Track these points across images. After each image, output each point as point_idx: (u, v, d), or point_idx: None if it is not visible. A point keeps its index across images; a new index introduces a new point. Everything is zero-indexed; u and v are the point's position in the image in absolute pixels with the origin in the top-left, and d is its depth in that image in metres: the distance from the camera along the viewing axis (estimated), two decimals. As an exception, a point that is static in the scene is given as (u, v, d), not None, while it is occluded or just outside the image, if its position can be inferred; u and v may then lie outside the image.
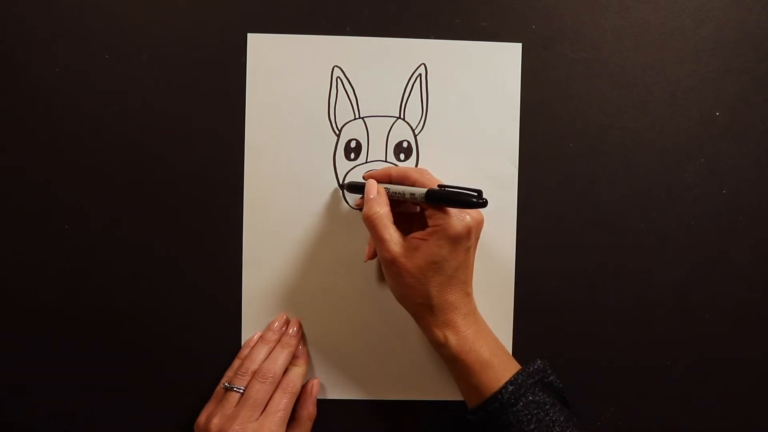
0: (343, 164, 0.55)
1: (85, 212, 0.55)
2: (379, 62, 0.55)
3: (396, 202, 0.51)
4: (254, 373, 0.52)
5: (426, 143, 0.55)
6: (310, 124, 0.55)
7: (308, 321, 0.56)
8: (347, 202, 0.55)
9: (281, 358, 0.53)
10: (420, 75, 0.55)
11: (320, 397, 0.56)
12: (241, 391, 0.51)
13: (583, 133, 0.56)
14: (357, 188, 0.53)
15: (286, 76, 0.55)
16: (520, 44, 0.55)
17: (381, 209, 0.49)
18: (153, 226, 0.55)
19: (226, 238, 0.55)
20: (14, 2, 0.54)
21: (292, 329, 0.55)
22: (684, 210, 0.57)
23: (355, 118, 0.55)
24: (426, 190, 0.47)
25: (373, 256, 0.53)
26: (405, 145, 0.55)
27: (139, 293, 0.55)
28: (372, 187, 0.50)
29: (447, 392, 0.56)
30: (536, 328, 0.56)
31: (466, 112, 0.55)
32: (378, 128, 0.55)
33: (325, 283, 0.56)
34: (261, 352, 0.54)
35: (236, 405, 0.51)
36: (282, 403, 0.51)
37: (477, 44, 0.55)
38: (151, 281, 0.55)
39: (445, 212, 0.47)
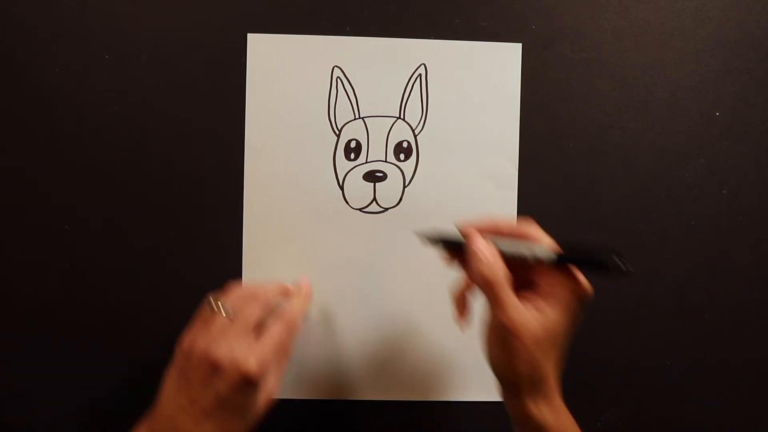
0: (343, 164, 0.55)
1: (85, 212, 0.55)
2: (379, 62, 0.55)
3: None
4: (247, 298, 0.48)
5: (426, 143, 0.55)
6: (310, 124, 0.55)
7: (308, 321, 0.56)
8: (347, 202, 0.55)
9: (282, 293, 0.50)
10: (420, 75, 0.55)
11: (320, 397, 0.56)
12: (230, 313, 0.47)
13: (583, 133, 0.56)
14: (452, 243, 0.45)
15: (286, 76, 0.55)
16: (520, 44, 0.55)
17: (502, 272, 0.41)
18: (153, 226, 0.55)
19: (226, 238, 0.55)
20: (14, 2, 0.54)
21: (304, 281, 0.53)
22: (684, 210, 0.57)
23: (355, 118, 0.55)
24: (555, 253, 0.42)
25: (464, 313, 0.48)
26: (405, 145, 0.55)
27: (139, 293, 0.55)
28: (480, 243, 0.43)
29: (447, 393, 0.56)
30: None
31: (466, 112, 0.55)
32: (378, 128, 0.55)
33: (325, 283, 0.56)
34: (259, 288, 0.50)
35: (224, 326, 0.46)
36: (278, 335, 0.47)
37: (477, 44, 0.55)
38: (151, 281, 0.55)
39: (567, 277, 0.42)
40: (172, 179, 0.55)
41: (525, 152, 0.56)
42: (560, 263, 0.42)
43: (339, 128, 0.55)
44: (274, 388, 0.48)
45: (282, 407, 0.56)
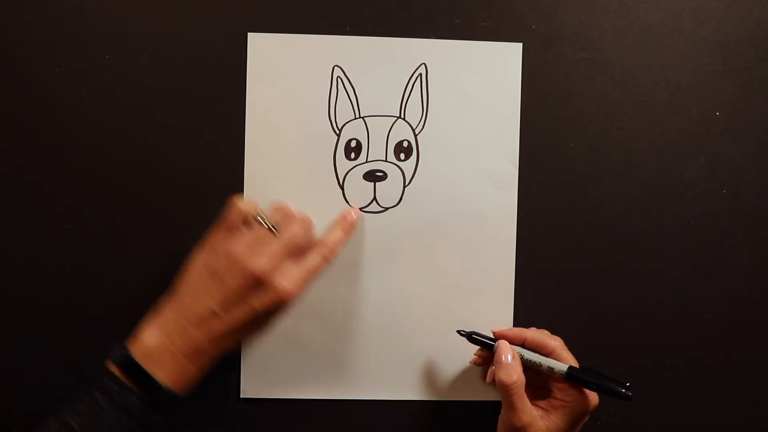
0: (344, 164, 0.55)
1: (85, 212, 0.55)
2: (380, 62, 0.55)
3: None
4: (290, 216, 0.50)
5: (426, 143, 0.55)
6: (310, 123, 0.55)
7: (308, 321, 0.56)
8: (347, 202, 0.55)
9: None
10: (420, 75, 0.55)
11: (319, 397, 0.56)
12: (275, 230, 0.48)
13: (583, 133, 0.56)
14: (482, 342, 0.53)
15: (286, 76, 0.55)
16: (521, 44, 0.55)
17: (519, 378, 0.48)
18: (153, 226, 0.55)
19: (226, 238, 0.55)
20: (14, 2, 0.54)
21: (351, 216, 0.53)
22: (684, 210, 0.57)
23: (355, 118, 0.55)
24: (567, 367, 0.49)
25: (493, 379, 0.52)
26: (405, 144, 0.55)
27: (140, 293, 0.55)
28: (506, 349, 0.50)
29: (447, 393, 0.56)
30: (536, 327, 0.56)
31: (467, 111, 0.55)
32: (378, 128, 0.55)
33: (325, 283, 0.56)
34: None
35: (269, 241, 0.47)
36: (315, 262, 0.48)
37: (477, 44, 0.55)
38: (151, 281, 0.55)
39: (579, 391, 0.49)
40: (173, 179, 0.55)
41: (525, 152, 0.56)
42: (569, 379, 0.49)
43: (339, 128, 0.55)
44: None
45: (282, 407, 0.56)
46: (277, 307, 0.46)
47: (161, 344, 0.46)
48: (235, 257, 0.46)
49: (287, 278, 0.46)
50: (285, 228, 0.49)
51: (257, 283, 0.45)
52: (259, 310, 0.46)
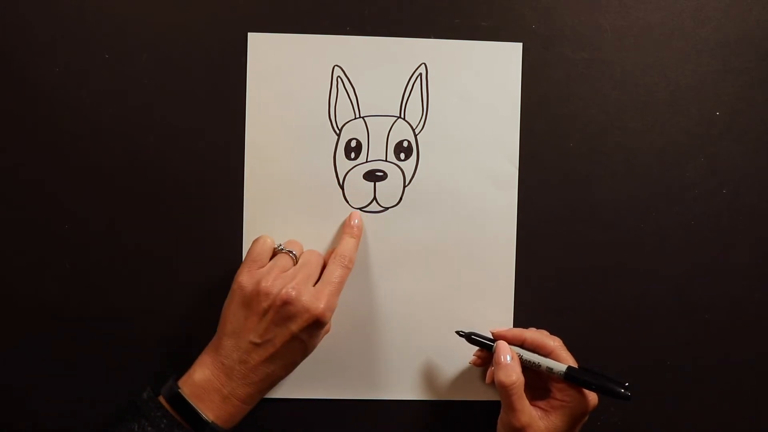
0: (344, 164, 0.55)
1: (85, 212, 0.55)
2: (380, 62, 0.55)
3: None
4: (300, 245, 0.54)
5: (426, 143, 0.55)
6: (310, 123, 0.55)
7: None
8: (347, 202, 0.55)
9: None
10: (420, 74, 0.55)
11: (320, 397, 0.56)
12: (294, 256, 0.52)
13: (583, 133, 0.56)
14: (481, 343, 0.53)
15: (286, 76, 0.55)
16: (521, 44, 0.55)
17: (518, 378, 0.49)
18: (153, 226, 0.55)
19: (226, 238, 0.55)
20: (14, 2, 0.54)
21: (355, 221, 0.55)
22: (684, 210, 0.57)
23: (355, 118, 0.55)
24: (566, 368, 0.49)
25: (492, 380, 0.52)
26: (405, 144, 0.55)
27: (140, 293, 0.55)
28: (505, 350, 0.50)
29: (448, 393, 0.56)
30: (536, 327, 0.56)
31: (467, 111, 0.55)
32: (378, 128, 0.55)
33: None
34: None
35: (291, 268, 0.50)
36: (336, 274, 0.51)
37: (477, 44, 0.55)
38: (151, 281, 0.55)
39: (578, 391, 0.49)
40: (172, 179, 0.55)
41: (525, 152, 0.56)
42: (568, 379, 0.49)
43: (339, 127, 0.55)
44: (329, 325, 0.53)
45: (282, 407, 0.56)
46: (312, 326, 0.48)
47: (209, 384, 0.48)
48: (264, 289, 0.48)
49: (315, 296, 0.49)
50: (303, 254, 0.53)
51: (289, 308, 0.48)
52: (297, 332, 0.48)
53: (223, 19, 0.55)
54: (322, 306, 0.48)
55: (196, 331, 0.55)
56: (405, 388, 0.56)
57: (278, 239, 0.54)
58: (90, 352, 0.55)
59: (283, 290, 0.48)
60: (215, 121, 0.55)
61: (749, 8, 0.56)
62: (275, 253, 0.52)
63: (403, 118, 0.55)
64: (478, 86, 0.55)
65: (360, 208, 0.55)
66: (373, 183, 0.55)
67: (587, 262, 0.56)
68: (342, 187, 0.55)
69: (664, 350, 0.57)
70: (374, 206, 0.55)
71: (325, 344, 0.56)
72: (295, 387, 0.56)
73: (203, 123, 0.55)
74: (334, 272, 0.51)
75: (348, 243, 0.53)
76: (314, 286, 0.50)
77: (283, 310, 0.48)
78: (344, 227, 0.55)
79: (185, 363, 0.53)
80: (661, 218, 0.57)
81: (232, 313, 0.49)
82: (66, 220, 0.55)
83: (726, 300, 0.57)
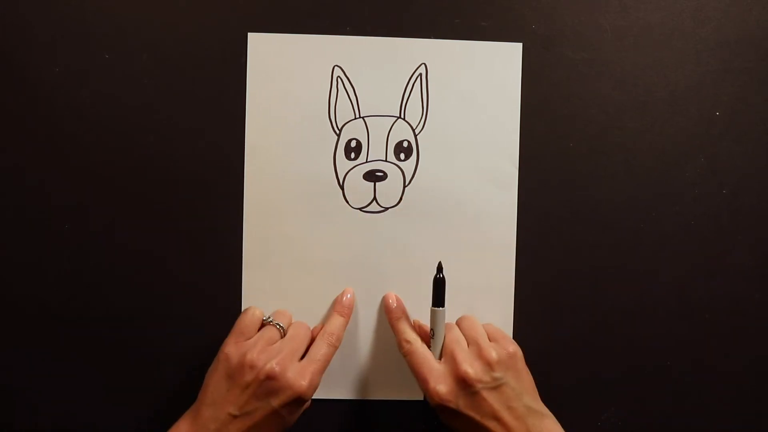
0: (344, 164, 0.55)
1: (85, 212, 0.55)
2: (380, 62, 0.55)
3: None
4: (289, 317, 0.54)
5: (426, 143, 0.55)
6: (310, 123, 0.55)
7: (308, 321, 0.56)
8: (347, 202, 0.55)
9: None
10: (420, 75, 0.55)
11: (321, 397, 0.56)
12: (282, 328, 0.52)
13: (583, 133, 0.56)
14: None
15: (286, 76, 0.55)
16: (521, 44, 0.55)
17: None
18: (153, 226, 0.55)
19: (226, 238, 0.55)
20: (14, 2, 0.54)
21: (346, 297, 0.55)
22: (684, 210, 0.57)
23: (355, 118, 0.55)
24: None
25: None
26: (405, 144, 0.55)
27: (140, 293, 0.55)
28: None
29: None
30: (536, 327, 0.56)
31: (467, 111, 0.55)
32: (378, 128, 0.55)
33: (325, 282, 0.56)
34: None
35: (278, 342, 0.50)
36: (321, 352, 0.51)
37: (477, 44, 0.55)
38: (151, 281, 0.55)
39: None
40: (172, 179, 0.55)
41: (525, 152, 0.56)
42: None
43: (339, 128, 0.55)
44: (310, 402, 0.52)
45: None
46: (293, 402, 0.48)
47: None
48: (250, 361, 0.48)
49: (299, 373, 0.49)
50: (291, 328, 0.53)
51: (272, 383, 0.48)
52: (278, 407, 0.48)
53: (223, 19, 0.55)
54: (305, 384, 0.48)
55: (196, 330, 0.55)
56: (405, 388, 0.56)
57: (277, 241, 0.54)
58: (90, 352, 0.55)
59: (268, 365, 0.48)
60: (215, 121, 0.55)
61: (749, 8, 0.56)
62: (263, 324, 0.52)
63: (403, 119, 0.55)
64: (478, 86, 0.55)
65: (360, 208, 0.55)
66: (373, 183, 0.55)
67: (587, 263, 0.56)
68: (342, 187, 0.55)
69: (664, 350, 0.57)
70: (374, 206, 0.55)
71: (325, 344, 0.56)
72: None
73: (203, 123, 0.55)
74: (320, 350, 0.51)
75: (336, 321, 0.53)
76: (300, 361, 0.50)
77: (266, 384, 0.48)
78: (335, 304, 0.55)
79: (186, 362, 0.53)
80: (661, 218, 0.57)
81: (214, 382, 0.49)
82: (66, 220, 0.55)
83: (726, 300, 0.57)
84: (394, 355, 0.56)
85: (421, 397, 0.56)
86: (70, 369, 0.55)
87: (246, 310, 0.52)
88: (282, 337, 0.52)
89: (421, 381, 0.49)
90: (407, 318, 0.54)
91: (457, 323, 0.54)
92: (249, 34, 0.54)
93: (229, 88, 0.55)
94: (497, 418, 0.47)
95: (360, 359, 0.56)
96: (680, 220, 0.57)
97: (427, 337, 0.52)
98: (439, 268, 0.52)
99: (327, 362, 0.51)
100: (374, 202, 0.55)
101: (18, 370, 0.55)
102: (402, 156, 0.56)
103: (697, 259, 0.57)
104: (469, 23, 0.55)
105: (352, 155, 0.55)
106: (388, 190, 0.55)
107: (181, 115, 0.55)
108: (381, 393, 0.56)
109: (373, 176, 0.55)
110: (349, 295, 0.55)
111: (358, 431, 0.57)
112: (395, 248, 0.56)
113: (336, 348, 0.52)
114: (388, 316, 0.55)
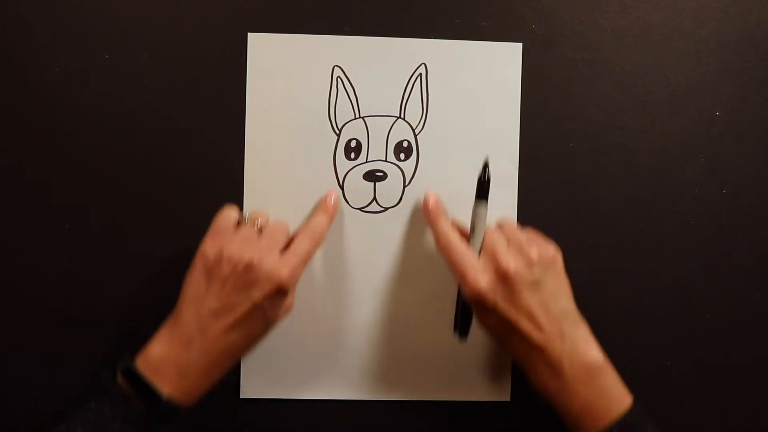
0: (343, 164, 0.55)
1: (85, 212, 0.55)
2: (380, 62, 0.55)
3: None
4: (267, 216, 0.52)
5: (426, 143, 0.55)
6: (310, 123, 0.55)
7: (308, 321, 0.56)
8: (347, 202, 0.55)
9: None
10: (420, 75, 0.55)
11: (321, 397, 0.56)
12: (258, 226, 0.50)
13: (583, 133, 0.56)
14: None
15: (286, 76, 0.55)
16: (521, 44, 0.55)
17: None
18: (153, 226, 0.55)
19: (226, 238, 0.55)
20: (14, 2, 0.54)
21: (331, 197, 0.54)
22: (684, 210, 0.57)
23: (355, 118, 0.55)
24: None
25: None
26: (405, 144, 0.55)
27: (140, 293, 0.55)
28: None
29: (447, 393, 0.56)
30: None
31: (467, 112, 0.55)
32: (378, 128, 0.55)
33: (325, 282, 0.56)
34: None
35: (254, 237, 0.49)
36: (304, 246, 0.49)
37: (477, 44, 0.55)
38: (151, 281, 0.55)
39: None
40: (172, 179, 0.55)
41: (525, 152, 0.56)
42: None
43: (339, 128, 0.55)
44: (292, 300, 0.51)
45: (282, 407, 0.56)
46: (275, 294, 0.47)
47: (166, 356, 0.46)
48: (227, 255, 0.47)
49: (279, 263, 0.47)
50: (267, 223, 0.51)
51: (251, 273, 0.46)
52: (258, 300, 0.46)
53: (223, 19, 0.55)
54: (286, 273, 0.46)
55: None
56: (405, 388, 0.56)
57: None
58: (90, 352, 0.55)
59: (246, 255, 0.46)
60: (215, 121, 0.55)
61: (749, 8, 0.56)
62: (240, 224, 0.51)
63: (403, 119, 0.55)
64: (478, 86, 0.55)
65: (360, 208, 0.55)
66: (373, 183, 0.55)
67: (587, 262, 0.56)
68: (342, 187, 0.55)
69: (664, 350, 0.57)
70: (374, 206, 0.55)
71: (325, 344, 0.56)
72: (295, 387, 0.56)
73: (203, 123, 0.55)
74: (302, 244, 0.49)
75: (320, 217, 0.52)
76: (281, 254, 0.48)
77: (246, 276, 0.46)
78: (319, 203, 0.54)
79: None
80: (661, 218, 0.57)
81: (194, 281, 0.48)
82: (66, 220, 0.55)
83: (726, 300, 0.57)
84: (394, 355, 0.56)
85: (421, 398, 0.56)
86: (70, 369, 0.55)
87: (221, 209, 0.51)
88: (259, 235, 0.50)
89: (459, 275, 0.48)
90: (446, 215, 0.53)
91: (497, 225, 0.53)
92: (249, 34, 0.54)
93: (229, 88, 0.55)
94: (531, 317, 0.46)
95: (360, 359, 0.56)
96: (680, 220, 0.57)
97: (466, 237, 0.51)
98: (486, 164, 0.51)
99: (309, 256, 0.49)
100: (374, 202, 0.55)
101: (18, 370, 0.55)
102: (402, 156, 0.56)
103: (697, 259, 0.57)
104: (469, 23, 0.55)
105: (352, 155, 0.55)
106: (388, 190, 0.55)
107: (181, 115, 0.55)
108: (382, 393, 0.56)
109: (373, 176, 0.55)
110: (333, 197, 0.54)
111: (359, 431, 0.57)
112: (395, 248, 0.56)
113: (318, 244, 0.50)
114: (427, 215, 0.53)
